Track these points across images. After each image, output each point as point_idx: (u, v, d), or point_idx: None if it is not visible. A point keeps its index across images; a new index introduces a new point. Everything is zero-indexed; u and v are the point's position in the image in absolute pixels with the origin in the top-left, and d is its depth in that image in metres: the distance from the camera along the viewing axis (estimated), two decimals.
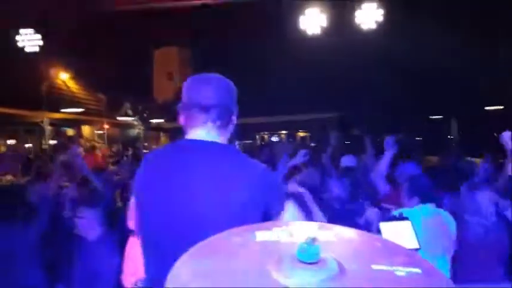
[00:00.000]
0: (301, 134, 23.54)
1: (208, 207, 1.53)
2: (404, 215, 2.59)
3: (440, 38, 6.01)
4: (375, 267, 0.92)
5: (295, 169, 4.57)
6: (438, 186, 3.67)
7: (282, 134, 24.13)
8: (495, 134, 2.92)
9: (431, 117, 19.66)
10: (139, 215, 1.69)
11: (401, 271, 0.91)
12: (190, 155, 1.63)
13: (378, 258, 0.96)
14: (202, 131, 1.67)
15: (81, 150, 4.08)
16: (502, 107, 15.91)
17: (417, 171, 4.11)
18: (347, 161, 5.19)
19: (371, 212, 3.43)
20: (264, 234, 1.05)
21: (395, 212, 2.83)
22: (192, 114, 1.68)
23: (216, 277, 0.87)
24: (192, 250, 0.97)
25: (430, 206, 3.08)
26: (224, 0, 3.79)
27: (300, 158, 4.41)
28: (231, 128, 1.75)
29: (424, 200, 3.09)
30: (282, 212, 1.69)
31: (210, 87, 1.69)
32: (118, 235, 3.44)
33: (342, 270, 0.89)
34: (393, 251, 1.01)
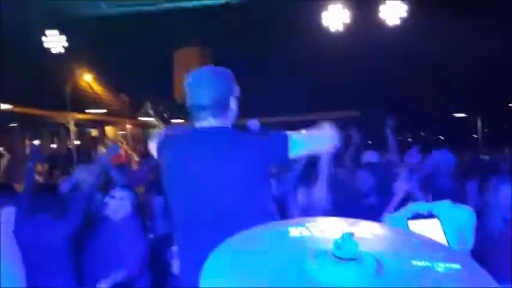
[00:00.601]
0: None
1: (223, 172, 1.85)
2: (433, 213, 2.53)
3: (466, 33, 5.88)
4: (414, 263, 0.90)
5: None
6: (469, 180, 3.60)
7: (303, 132, 24.09)
8: None
9: (455, 115, 19.29)
10: (168, 183, 1.97)
11: (441, 267, 0.89)
12: (200, 140, 1.92)
13: (416, 254, 0.94)
14: (205, 123, 1.93)
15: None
16: None
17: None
18: (369, 157, 5.09)
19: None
20: (296, 230, 1.03)
21: (422, 208, 2.77)
22: (194, 112, 1.95)
23: (254, 271, 0.86)
24: (228, 242, 0.97)
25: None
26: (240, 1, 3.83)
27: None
28: (232, 111, 1.98)
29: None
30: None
31: (205, 87, 1.92)
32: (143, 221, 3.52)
33: (380, 267, 0.87)
34: (431, 247, 0.99)
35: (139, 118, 20.21)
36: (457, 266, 0.90)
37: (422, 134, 20.43)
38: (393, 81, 9.54)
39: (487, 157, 5.70)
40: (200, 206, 1.85)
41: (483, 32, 5.89)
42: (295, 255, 0.91)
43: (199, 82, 1.95)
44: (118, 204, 3.43)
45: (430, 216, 2.60)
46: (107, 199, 3.48)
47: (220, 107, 1.92)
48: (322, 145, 2.06)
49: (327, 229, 1.04)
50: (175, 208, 1.97)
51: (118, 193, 3.47)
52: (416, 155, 4.09)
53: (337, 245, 0.87)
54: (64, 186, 4.04)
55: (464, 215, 3.00)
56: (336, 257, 0.86)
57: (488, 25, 5.69)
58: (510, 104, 15.73)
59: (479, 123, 17.05)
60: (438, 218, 2.60)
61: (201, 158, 1.86)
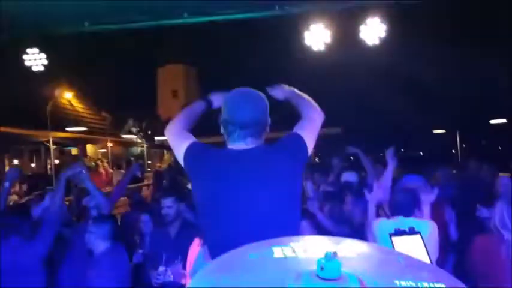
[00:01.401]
0: None
1: (259, 192, 1.84)
2: (415, 230, 2.55)
3: (443, 51, 6.05)
4: (397, 282, 0.89)
5: None
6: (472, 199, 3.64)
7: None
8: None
9: (434, 131, 19.63)
10: (206, 206, 1.93)
11: (425, 287, 0.88)
12: (237, 162, 1.89)
13: (400, 273, 0.93)
14: (242, 143, 1.91)
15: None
16: (505, 121, 15.86)
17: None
18: (348, 176, 5.16)
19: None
20: (281, 250, 1.02)
21: (403, 224, 2.78)
22: (234, 129, 1.91)
23: None
24: (210, 266, 0.95)
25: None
26: (230, 18, 3.82)
27: None
28: (264, 134, 1.99)
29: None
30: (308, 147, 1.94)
31: (248, 106, 1.91)
32: (123, 249, 3.45)
33: (363, 286, 0.86)
34: (416, 266, 0.98)
35: (121, 136, 20.04)
36: (441, 285, 0.90)
37: (402, 150, 20.67)
38: (374, 99, 9.70)
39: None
40: (241, 229, 1.82)
41: (462, 50, 6.06)
42: (278, 277, 0.90)
43: (244, 100, 1.95)
44: (94, 239, 3.37)
45: (413, 232, 2.63)
46: (87, 234, 3.40)
47: (259, 128, 1.93)
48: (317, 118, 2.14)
49: (311, 249, 1.03)
50: (212, 230, 1.93)
51: (94, 228, 3.39)
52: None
53: (320, 265, 0.86)
54: (36, 207, 3.96)
55: (428, 228, 3.03)
56: (319, 277, 0.85)
57: (468, 44, 5.86)
58: (490, 121, 16.08)
59: (458, 139, 17.37)
60: (420, 234, 2.63)
61: (243, 180, 1.85)
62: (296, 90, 2.35)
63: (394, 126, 14.27)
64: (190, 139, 2.04)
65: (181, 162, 2.01)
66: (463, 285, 0.92)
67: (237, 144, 1.92)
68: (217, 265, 0.96)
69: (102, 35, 5.26)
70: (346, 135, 15.08)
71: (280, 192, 1.85)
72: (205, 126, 2.24)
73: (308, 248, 1.03)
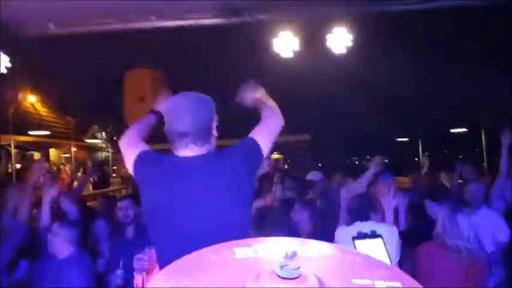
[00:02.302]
0: (275, 156, 23.53)
1: (209, 201, 1.81)
2: (377, 233, 2.61)
3: (408, 62, 6.26)
4: (355, 281, 0.91)
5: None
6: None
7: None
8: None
9: (398, 139, 20.12)
10: (151, 214, 1.91)
11: (381, 285, 0.91)
12: (182, 169, 1.86)
13: (358, 273, 0.95)
14: (186, 151, 1.88)
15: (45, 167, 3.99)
16: (466, 130, 16.45)
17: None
18: (312, 175, 5.27)
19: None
20: (243, 251, 1.03)
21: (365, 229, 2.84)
22: (175, 139, 1.89)
23: None
24: (168, 268, 0.94)
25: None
26: (198, 22, 3.80)
27: None
28: (212, 137, 1.96)
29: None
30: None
31: (186, 114, 1.87)
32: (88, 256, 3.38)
33: (321, 285, 0.87)
34: (373, 266, 1.01)
35: (85, 140, 19.56)
36: (397, 284, 0.92)
37: (368, 157, 21.04)
38: (341, 107, 9.88)
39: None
40: (185, 237, 1.77)
41: (426, 60, 6.25)
42: (238, 277, 0.90)
43: (181, 108, 1.91)
44: (58, 242, 3.28)
45: (374, 236, 2.69)
46: (49, 236, 3.31)
47: (202, 133, 1.90)
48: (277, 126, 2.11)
49: (274, 249, 1.04)
50: (159, 237, 1.90)
51: (58, 230, 3.31)
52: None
53: (281, 264, 0.87)
54: None
55: (386, 232, 3.11)
56: (279, 277, 0.86)
57: (432, 54, 6.06)
58: (451, 130, 16.63)
59: (420, 147, 17.87)
60: (382, 238, 2.69)
61: (186, 188, 1.82)
62: (264, 95, 2.35)
63: (359, 134, 14.57)
64: (141, 148, 2.02)
65: (131, 171, 1.98)
66: (419, 285, 0.95)
67: (181, 152, 1.90)
68: (176, 267, 0.96)
69: (68, 37, 5.14)
70: (314, 142, 15.27)
71: (226, 198, 1.82)
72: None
73: (271, 249, 1.04)
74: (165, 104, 2.02)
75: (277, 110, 2.19)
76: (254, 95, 2.36)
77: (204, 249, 1.04)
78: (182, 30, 3.87)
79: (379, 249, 2.46)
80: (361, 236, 2.59)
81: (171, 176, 1.87)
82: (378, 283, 0.91)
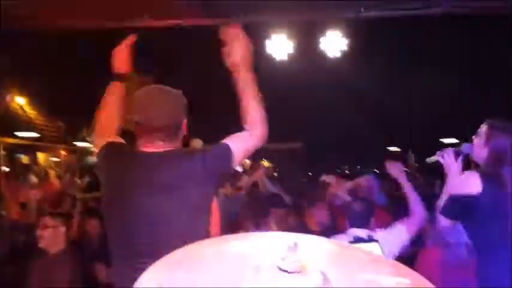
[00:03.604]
0: (265, 164, 23.43)
1: (173, 199, 1.74)
2: (373, 237, 2.56)
3: (401, 69, 6.27)
4: (360, 277, 0.86)
5: None
6: None
7: (246, 163, 23.96)
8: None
9: (389, 148, 20.17)
10: (111, 208, 1.84)
11: (389, 281, 0.86)
12: (144, 165, 1.79)
13: (361, 268, 0.90)
14: (153, 146, 1.82)
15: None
16: (456, 140, 16.55)
17: None
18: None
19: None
20: (240, 245, 0.97)
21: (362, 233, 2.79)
22: (144, 132, 1.82)
23: None
24: (162, 261, 0.88)
25: None
26: (189, 23, 3.74)
27: None
28: (181, 134, 1.90)
29: None
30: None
31: (159, 108, 1.81)
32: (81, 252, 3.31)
33: (326, 280, 0.82)
34: (377, 262, 0.96)
35: (75, 144, 19.33)
36: (406, 280, 0.87)
37: (358, 167, 21.00)
38: (334, 114, 9.86)
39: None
40: (144, 235, 1.74)
41: (418, 69, 6.28)
42: (237, 271, 0.85)
43: (152, 102, 1.83)
44: (50, 235, 3.19)
45: (371, 240, 2.64)
46: (39, 230, 3.22)
47: (172, 128, 1.84)
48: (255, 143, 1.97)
49: (272, 243, 0.98)
50: (114, 231, 1.84)
51: (50, 221, 3.23)
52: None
53: (282, 256, 0.81)
54: None
55: (384, 237, 3.06)
56: (281, 269, 0.80)
57: (424, 62, 6.09)
58: (440, 139, 16.73)
59: (411, 157, 17.92)
60: (378, 242, 2.65)
61: (145, 183, 1.76)
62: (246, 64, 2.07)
63: (351, 142, 14.57)
64: (107, 139, 1.96)
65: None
66: (426, 281, 0.90)
67: (147, 147, 1.83)
68: (169, 259, 0.90)
69: (57, 36, 5.05)
70: (305, 151, 15.23)
71: (186, 198, 1.76)
72: None
73: (269, 243, 0.99)
74: (135, 95, 1.91)
75: (262, 115, 2.00)
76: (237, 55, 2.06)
77: (199, 242, 0.98)
78: (172, 30, 3.82)
79: (376, 253, 2.41)
80: (357, 240, 2.54)
81: (132, 170, 1.80)
82: (384, 279, 0.86)
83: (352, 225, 3.12)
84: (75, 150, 19.85)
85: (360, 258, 0.97)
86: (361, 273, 0.87)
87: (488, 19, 4.39)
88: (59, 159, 18.32)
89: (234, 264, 0.87)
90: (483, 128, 2.35)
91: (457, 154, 2.44)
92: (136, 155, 1.83)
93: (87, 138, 19.33)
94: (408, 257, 3.07)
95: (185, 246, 0.97)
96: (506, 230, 2.09)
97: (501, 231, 2.11)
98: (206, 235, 1.78)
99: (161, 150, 1.81)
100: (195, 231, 1.69)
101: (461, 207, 2.20)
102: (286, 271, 0.80)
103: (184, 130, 1.91)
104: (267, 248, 0.94)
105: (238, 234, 1.05)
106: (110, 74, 2.32)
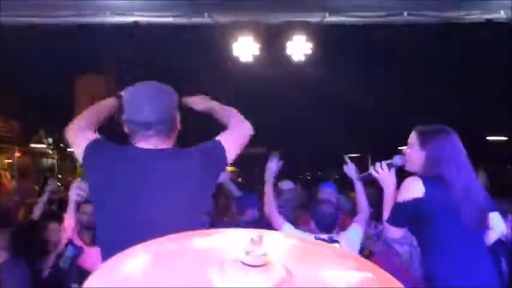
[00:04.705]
0: (228, 169, 23.31)
1: (168, 196, 1.72)
2: (334, 238, 2.58)
3: (363, 75, 6.41)
4: (325, 272, 0.85)
5: None
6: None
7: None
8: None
9: (349, 155, 20.50)
10: (102, 205, 1.79)
11: (353, 276, 0.85)
12: (139, 162, 1.76)
13: (326, 263, 0.89)
14: (147, 143, 1.77)
15: None
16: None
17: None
18: (284, 184, 5.39)
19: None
20: (204, 241, 0.94)
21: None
22: (136, 130, 1.77)
23: (145, 285, 0.74)
24: (119, 256, 0.84)
25: None
26: (156, 20, 3.65)
27: None
28: (175, 131, 1.87)
29: None
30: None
31: (152, 104, 1.76)
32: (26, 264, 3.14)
33: (290, 274, 0.80)
34: (342, 256, 0.95)
35: (31, 146, 18.60)
36: (368, 274, 0.87)
37: (320, 172, 21.15)
38: (299, 118, 9.93)
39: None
40: (139, 233, 1.68)
41: (384, 75, 6.42)
42: (199, 267, 0.82)
43: (148, 97, 1.78)
44: None
45: (332, 241, 2.67)
46: None
47: (166, 125, 1.79)
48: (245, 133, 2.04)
49: (236, 239, 0.96)
50: (105, 229, 1.79)
51: None
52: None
53: (246, 250, 0.79)
54: None
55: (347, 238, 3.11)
56: (244, 264, 0.78)
57: (391, 69, 6.24)
58: (399, 147, 17.19)
59: (370, 162, 18.32)
60: (339, 243, 2.67)
61: (139, 181, 1.73)
62: (218, 104, 2.25)
63: (314, 147, 14.74)
64: (94, 135, 1.89)
65: (80, 158, 1.84)
66: (389, 275, 0.90)
67: (141, 144, 1.79)
68: (127, 255, 0.86)
69: (13, 31, 4.82)
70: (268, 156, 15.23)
71: (181, 197, 1.74)
72: None
73: (237, 239, 0.97)
74: (127, 92, 1.88)
75: (242, 117, 2.10)
76: (205, 100, 2.30)
77: (160, 238, 0.94)
78: (138, 27, 3.73)
79: None
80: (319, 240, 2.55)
81: (125, 166, 1.76)
82: (348, 273, 0.85)
83: (319, 228, 3.14)
84: (30, 152, 19.12)
85: (325, 253, 0.96)
86: (326, 268, 0.86)
87: (441, 27, 4.58)
88: (12, 161, 17.58)
89: (197, 260, 0.84)
90: (414, 136, 2.38)
91: (389, 167, 2.43)
92: (132, 152, 1.79)
93: (43, 141, 18.68)
94: None
95: (144, 242, 0.93)
96: (452, 228, 2.17)
97: (447, 229, 2.18)
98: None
99: (157, 147, 1.78)
100: (186, 228, 1.68)
101: (408, 212, 2.22)
102: (250, 265, 0.77)
103: (178, 126, 1.89)
104: (230, 243, 0.92)
105: (201, 230, 1.02)
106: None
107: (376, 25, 4.39)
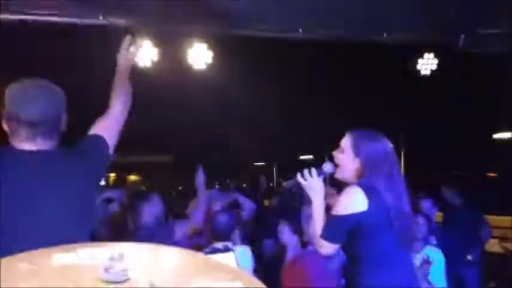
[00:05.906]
0: (132, 177, 22.42)
1: (57, 197, 1.62)
2: (229, 247, 2.59)
3: (266, 87, 6.54)
4: (194, 283, 0.83)
5: None
6: None
7: (111, 176, 22.59)
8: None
9: (255, 163, 20.91)
10: None
11: (222, 286, 0.84)
12: (24, 166, 1.65)
13: (199, 275, 0.87)
14: (31, 144, 1.66)
15: None
16: (311, 157, 17.81)
17: None
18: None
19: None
20: (63, 257, 0.87)
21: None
22: (19, 129, 1.64)
23: None
24: None
25: None
26: (44, 19, 3.36)
27: None
28: (60, 132, 1.75)
29: None
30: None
31: (37, 102, 1.66)
32: None
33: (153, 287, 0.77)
34: (215, 269, 0.94)
35: None
36: (239, 284, 0.87)
37: (228, 181, 21.20)
38: (203, 126, 9.84)
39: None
40: (30, 239, 1.52)
41: (284, 88, 6.59)
42: (55, 284, 0.75)
43: (31, 95, 1.66)
44: None
45: (226, 250, 2.67)
46: None
47: (51, 125, 1.68)
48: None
49: (102, 254, 0.90)
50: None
51: None
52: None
53: (105, 267, 0.74)
54: None
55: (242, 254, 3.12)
56: (104, 281, 0.73)
57: (289, 83, 6.42)
58: (300, 157, 17.89)
59: (275, 171, 18.82)
60: (233, 252, 2.68)
61: (28, 187, 1.62)
62: (125, 76, 2.04)
63: (219, 155, 14.72)
64: None
65: None
66: (262, 285, 0.90)
67: (25, 145, 1.67)
68: None
69: None
70: (176, 164, 14.90)
71: (69, 199, 1.67)
72: None
73: (99, 254, 0.90)
74: (9, 88, 1.70)
75: (128, 95, 1.98)
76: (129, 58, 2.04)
77: (12, 257, 0.85)
78: (25, 26, 3.43)
79: (230, 263, 2.43)
80: (214, 250, 2.55)
81: (13, 173, 1.63)
82: (218, 284, 0.84)
83: (215, 238, 3.08)
84: None
85: (199, 265, 0.94)
86: (195, 279, 0.84)
87: (339, 45, 4.82)
88: None
89: (51, 280, 0.77)
90: (347, 141, 2.16)
91: (318, 174, 2.17)
92: (18, 155, 1.66)
93: None
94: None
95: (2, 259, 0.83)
96: (388, 243, 2.03)
97: (385, 245, 2.03)
98: (90, 237, 1.71)
99: (41, 148, 1.66)
100: (80, 234, 1.60)
101: (349, 227, 2.00)
102: (110, 282, 0.72)
103: (63, 126, 1.76)
104: (94, 259, 0.85)
105: (63, 246, 0.94)
106: None
107: (276, 40, 4.51)
